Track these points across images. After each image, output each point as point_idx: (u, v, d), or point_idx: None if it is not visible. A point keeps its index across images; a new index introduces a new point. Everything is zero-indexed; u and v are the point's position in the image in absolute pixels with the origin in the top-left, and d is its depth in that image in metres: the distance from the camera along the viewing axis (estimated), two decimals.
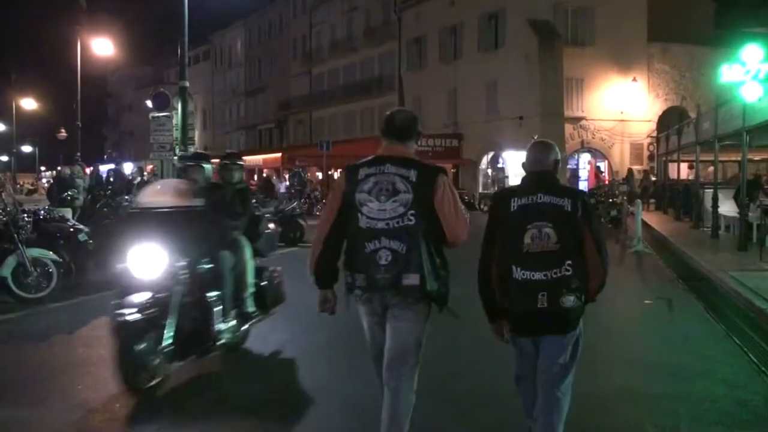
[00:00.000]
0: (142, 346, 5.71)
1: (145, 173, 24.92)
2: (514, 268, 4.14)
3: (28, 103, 54.61)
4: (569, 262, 4.12)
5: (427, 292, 4.12)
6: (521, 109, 36.61)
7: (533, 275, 4.10)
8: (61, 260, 10.11)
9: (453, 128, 42.66)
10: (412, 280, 4.07)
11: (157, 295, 5.84)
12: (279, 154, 41.95)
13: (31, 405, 5.77)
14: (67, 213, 12.90)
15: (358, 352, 5.30)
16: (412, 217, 4.10)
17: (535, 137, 30.88)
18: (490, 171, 41.55)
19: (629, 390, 6.34)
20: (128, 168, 46.49)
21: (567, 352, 4.26)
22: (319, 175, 39.30)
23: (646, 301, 10.77)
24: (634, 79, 38.09)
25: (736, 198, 17.25)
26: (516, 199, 4.28)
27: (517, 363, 4.47)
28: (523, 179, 4.45)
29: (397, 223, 4.10)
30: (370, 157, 4.32)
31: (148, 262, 5.95)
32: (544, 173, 4.39)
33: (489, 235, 4.38)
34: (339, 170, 41.61)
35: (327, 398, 5.96)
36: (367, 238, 4.12)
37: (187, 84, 19.45)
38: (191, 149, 20.04)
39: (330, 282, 4.34)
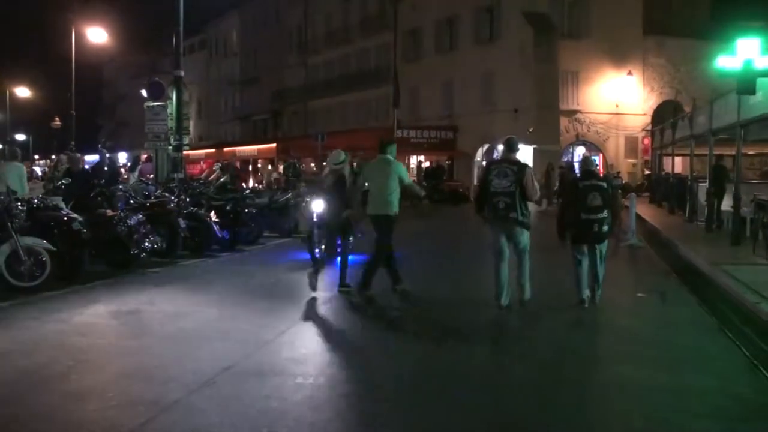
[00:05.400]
0: None
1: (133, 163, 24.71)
2: (582, 213, 8.98)
3: (22, 91, 54.35)
4: (606, 210, 8.97)
5: (519, 221, 8.83)
6: (517, 102, 36.59)
7: (590, 216, 8.97)
8: (54, 249, 10.07)
9: (448, 120, 42.62)
10: (513, 215, 8.78)
11: None
12: (274, 145, 41.87)
13: (24, 394, 5.77)
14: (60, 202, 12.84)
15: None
16: (513, 187, 8.74)
17: (530, 130, 30.82)
18: (485, 163, 41.52)
19: (621, 382, 6.37)
20: (123, 157, 46.32)
21: (601, 251, 9.32)
22: (314, 166, 39.19)
23: (639, 294, 10.80)
24: (630, 73, 38.09)
25: (711, 193, 17.46)
26: (581, 182, 9.19)
27: (575, 256, 9.27)
28: (582, 173, 9.54)
29: (507, 189, 8.74)
30: (498, 158, 9.56)
31: None
32: (593, 170, 9.55)
33: (566, 200, 9.67)
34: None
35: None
36: (494, 196, 8.82)
37: (182, 73, 19.39)
38: (186, 139, 20.01)
39: (481, 212, 9.23)
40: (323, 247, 12.56)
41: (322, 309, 9.60)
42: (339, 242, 13.12)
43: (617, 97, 38.14)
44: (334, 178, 10.48)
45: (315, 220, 12.68)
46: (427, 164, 42.43)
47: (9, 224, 9.74)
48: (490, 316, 9.10)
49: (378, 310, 9.47)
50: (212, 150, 49.39)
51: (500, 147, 39.02)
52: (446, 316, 9.14)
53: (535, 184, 9.02)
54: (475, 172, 41.41)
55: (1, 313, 8.79)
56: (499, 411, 5.62)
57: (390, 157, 10.05)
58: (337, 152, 10.73)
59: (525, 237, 9.01)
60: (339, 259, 10.55)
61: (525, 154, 34.29)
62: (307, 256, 12.75)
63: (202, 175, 21.89)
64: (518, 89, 36.75)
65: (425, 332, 8.26)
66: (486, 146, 41.00)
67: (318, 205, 12.63)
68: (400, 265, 10.18)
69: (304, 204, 15.81)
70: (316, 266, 10.41)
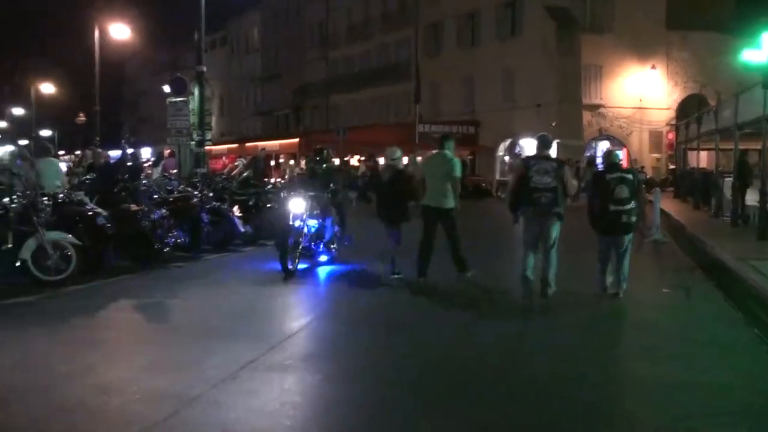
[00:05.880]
0: None
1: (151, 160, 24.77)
2: (610, 205, 9.24)
3: (47, 88, 54.87)
4: (633, 201, 9.30)
5: (560, 214, 9.14)
6: (539, 96, 36.40)
7: (619, 208, 9.23)
8: (80, 243, 10.14)
9: (470, 115, 42.48)
10: (555, 209, 9.10)
11: None
12: (296, 140, 41.95)
13: (50, 387, 5.81)
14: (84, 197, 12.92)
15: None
16: (554, 183, 9.03)
17: (553, 125, 30.59)
18: (507, 158, 41.36)
19: (646, 379, 6.30)
20: (146, 153, 46.56)
21: (627, 241, 9.49)
22: (336, 160, 39.19)
23: (664, 290, 10.71)
24: (653, 67, 37.76)
25: (737, 188, 17.27)
26: (608, 174, 9.44)
27: (601, 248, 9.68)
28: (607, 166, 9.71)
29: (549, 185, 9.03)
30: (534, 155, 9.54)
31: None
32: (618, 163, 9.99)
33: (593, 192, 9.63)
34: (356, 156, 41.66)
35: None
36: (535, 191, 9.04)
37: (204, 69, 19.47)
38: (208, 134, 20.09)
39: (514, 209, 9.45)
40: (297, 259, 11.14)
41: (344, 304, 9.61)
42: (319, 248, 12.19)
43: (641, 92, 37.85)
44: (390, 173, 11.06)
45: (291, 222, 11.33)
46: (421, 161, 42.20)
47: (35, 219, 9.82)
48: (509, 309, 9.13)
49: (397, 305, 9.45)
50: (234, 145, 49.55)
51: (522, 142, 38.89)
52: (466, 310, 9.12)
53: (573, 180, 9.62)
54: (497, 167, 41.35)
55: (28, 306, 8.88)
56: (512, 407, 5.57)
57: (448, 152, 10.57)
58: (393, 148, 11.33)
59: (557, 230, 9.26)
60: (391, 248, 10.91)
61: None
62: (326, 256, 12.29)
63: (225, 170, 21.94)
64: (540, 84, 36.56)
65: (446, 326, 8.24)
66: (508, 141, 40.87)
67: (297, 205, 11.43)
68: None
69: (279, 202, 13.38)
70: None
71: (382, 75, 50.49)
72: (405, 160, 24.21)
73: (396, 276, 10.73)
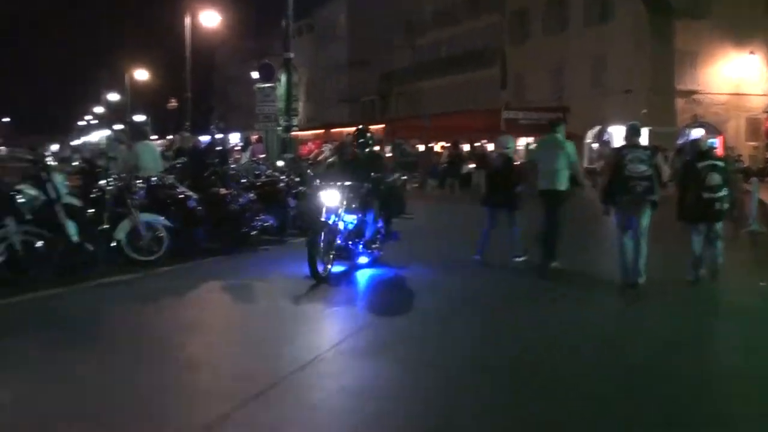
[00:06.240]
0: None
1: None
2: (702, 193, 9.12)
3: (141, 74, 56.61)
4: (725, 189, 9.18)
5: (654, 202, 9.08)
6: (629, 83, 35.48)
7: (712, 195, 9.12)
8: (171, 225, 10.43)
9: (557, 101, 41.72)
10: (651, 197, 9.05)
11: None
12: (382, 126, 42.07)
13: (140, 365, 5.97)
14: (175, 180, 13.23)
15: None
16: (649, 171, 9.01)
17: (644, 112, 29.60)
18: (595, 145, 40.45)
19: (739, 372, 6.08)
20: (235, 138, 47.49)
21: (719, 229, 9.42)
22: (421, 147, 39.15)
23: (761, 283, 10.27)
24: (752, 52, 36.30)
25: None
26: (699, 163, 9.29)
27: (693, 237, 9.37)
28: (696, 154, 9.50)
29: (644, 173, 9.00)
30: (626, 144, 9.46)
31: None
32: (707, 151, 9.71)
33: (684, 181, 9.53)
34: (440, 143, 41.45)
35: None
36: (630, 180, 8.97)
37: (292, 55, 19.69)
38: (295, 120, 20.33)
39: (607, 201, 9.41)
40: (330, 263, 9.54)
41: (429, 289, 9.52)
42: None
43: (738, 78, 36.43)
44: (502, 160, 11.37)
45: (324, 218, 9.62)
46: (534, 146, 41.61)
47: (129, 201, 10.15)
48: (599, 295, 8.95)
49: (490, 288, 9.36)
50: (320, 131, 50.07)
51: (610, 129, 37.80)
52: (558, 295, 8.97)
53: (665, 166, 9.71)
54: (586, 154, 40.46)
55: (123, 286, 9.18)
56: (582, 397, 5.44)
57: (559, 136, 10.86)
58: (506, 137, 11.97)
59: (648, 219, 9.18)
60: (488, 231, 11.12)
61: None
62: (371, 253, 10.63)
63: (311, 156, 22.19)
64: (631, 70, 35.64)
65: (532, 311, 8.10)
66: (597, 128, 39.98)
67: (331, 198, 9.74)
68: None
69: (309, 195, 11.75)
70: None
71: (468, 61, 50.05)
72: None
73: (477, 258, 10.97)
